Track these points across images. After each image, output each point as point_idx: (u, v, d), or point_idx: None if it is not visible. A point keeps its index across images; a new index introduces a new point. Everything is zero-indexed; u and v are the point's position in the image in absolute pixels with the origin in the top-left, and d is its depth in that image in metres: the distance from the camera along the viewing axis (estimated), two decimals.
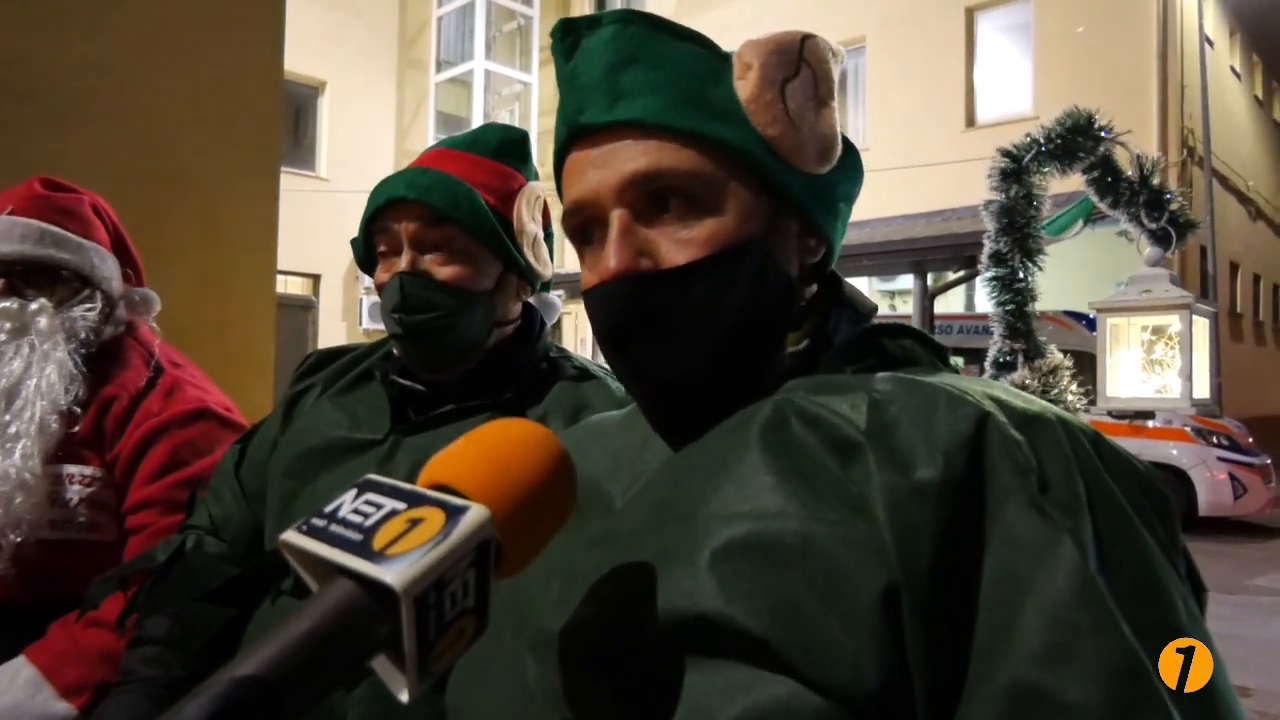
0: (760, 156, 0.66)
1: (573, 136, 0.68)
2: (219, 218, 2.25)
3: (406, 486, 0.49)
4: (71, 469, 1.40)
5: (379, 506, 0.47)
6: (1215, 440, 8.11)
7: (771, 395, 0.63)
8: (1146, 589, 0.51)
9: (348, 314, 15.31)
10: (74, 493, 1.39)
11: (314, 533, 0.46)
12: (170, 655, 1.12)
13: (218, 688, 0.40)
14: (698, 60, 0.67)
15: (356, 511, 0.47)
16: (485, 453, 0.52)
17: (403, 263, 1.09)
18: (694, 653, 0.53)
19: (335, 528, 0.46)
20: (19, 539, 1.32)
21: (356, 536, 0.45)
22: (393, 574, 0.42)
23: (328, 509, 0.48)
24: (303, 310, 3.64)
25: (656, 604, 0.55)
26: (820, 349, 0.69)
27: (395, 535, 0.45)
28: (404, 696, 0.46)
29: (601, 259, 0.66)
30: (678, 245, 0.65)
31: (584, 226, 0.68)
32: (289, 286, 13.82)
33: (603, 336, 0.68)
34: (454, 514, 0.46)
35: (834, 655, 0.50)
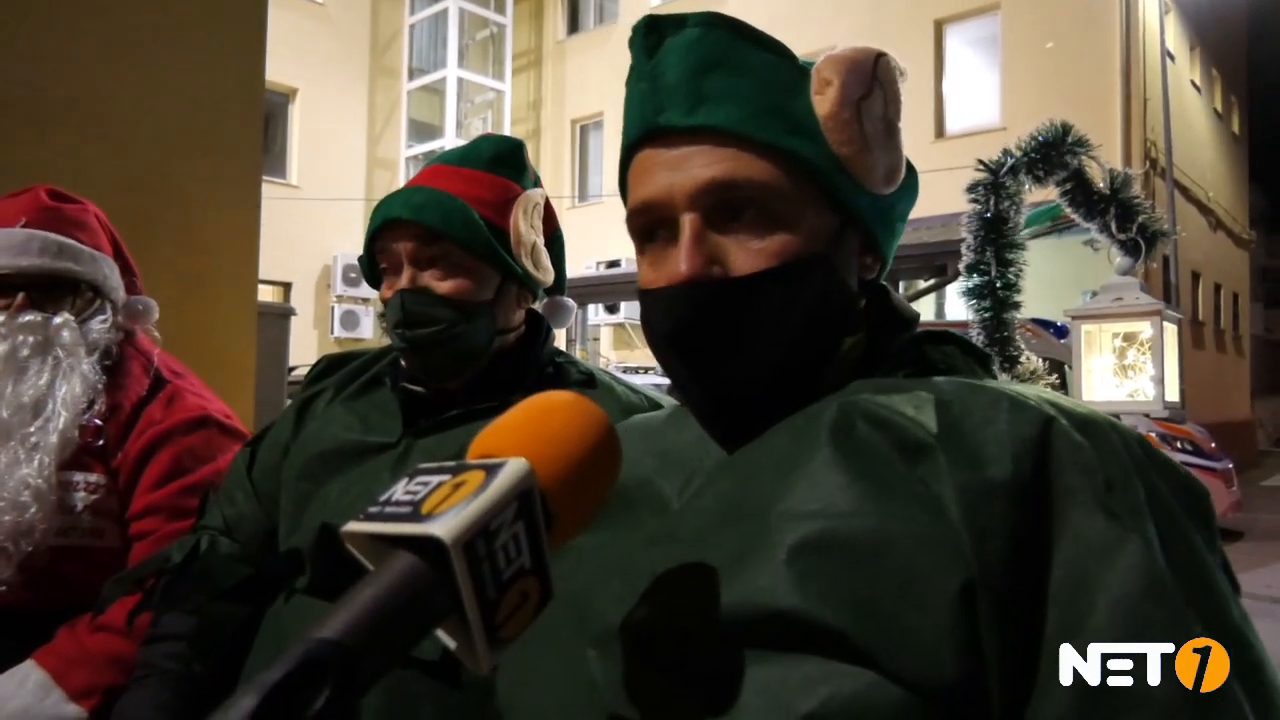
0: (832, 174, 0.66)
1: (648, 135, 0.68)
2: (200, 227, 2.26)
3: (452, 463, 0.52)
4: (77, 476, 1.41)
5: (426, 484, 0.50)
6: (1179, 445, 8.20)
7: (833, 396, 0.64)
8: (1201, 587, 0.53)
9: (320, 322, 15.15)
10: (79, 499, 1.40)
11: (370, 518, 0.49)
12: (189, 651, 1.13)
13: (296, 648, 0.42)
14: (778, 71, 0.68)
15: (407, 492, 0.50)
16: (522, 420, 0.55)
17: (403, 280, 1.12)
18: (769, 647, 0.54)
19: (389, 509, 0.49)
20: (30, 548, 1.33)
21: (407, 510, 0.48)
22: (438, 526, 0.45)
23: (382, 498, 0.51)
24: (282, 318, 3.62)
25: (726, 600, 0.56)
26: (873, 354, 0.71)
27: (441, 499, 0.47)
28: (482, 666, 0.47)
29: (669, 260, 0.66)
30: (748, 254, 0.65)
31: (650, 226, 0.68)
32: (260, 294, 13.65)
33: (666, 338, 0.67)
34: (494, 470, 0.48)
35: (913, 647, 0.51)
